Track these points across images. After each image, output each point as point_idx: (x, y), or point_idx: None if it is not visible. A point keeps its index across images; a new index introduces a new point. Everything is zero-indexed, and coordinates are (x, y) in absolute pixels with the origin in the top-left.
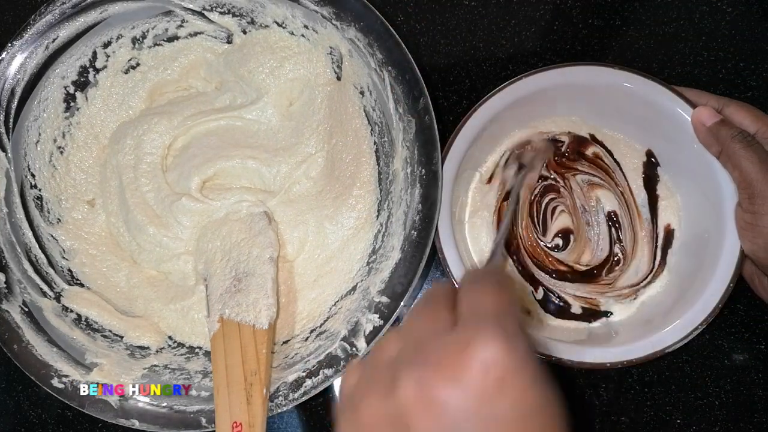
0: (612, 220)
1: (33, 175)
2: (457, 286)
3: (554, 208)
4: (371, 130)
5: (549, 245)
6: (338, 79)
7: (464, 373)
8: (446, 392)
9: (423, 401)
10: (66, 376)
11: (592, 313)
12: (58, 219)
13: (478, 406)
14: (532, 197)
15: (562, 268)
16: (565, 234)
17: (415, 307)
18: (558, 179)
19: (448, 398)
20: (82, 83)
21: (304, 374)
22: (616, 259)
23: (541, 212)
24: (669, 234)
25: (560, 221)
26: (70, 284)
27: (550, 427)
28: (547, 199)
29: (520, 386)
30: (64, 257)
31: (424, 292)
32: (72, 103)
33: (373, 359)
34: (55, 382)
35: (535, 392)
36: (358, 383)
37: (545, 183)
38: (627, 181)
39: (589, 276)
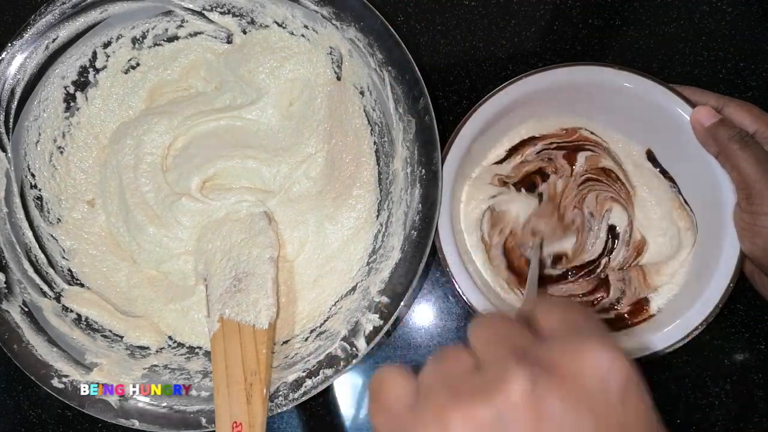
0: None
1: (33, 175)
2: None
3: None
4: (371, 130)
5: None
6: (338, 79)
7: (582, 380)
8: (562, 397)
9: (536, 402)
10: (66, 376)
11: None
12: (58, 219)
13: (595, 417)
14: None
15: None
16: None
17: (475, 330)
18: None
19: (563, 403)
20: (82, 83)
21: (304, 374)
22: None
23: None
24: None
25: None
26: (70, 284)
27: None
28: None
29: (637, 394)
30: (64, 257)
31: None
32: (72, 103)
33: (438, 369)
34: (55, 382)
35: (647, 401)
36: (423, 390)
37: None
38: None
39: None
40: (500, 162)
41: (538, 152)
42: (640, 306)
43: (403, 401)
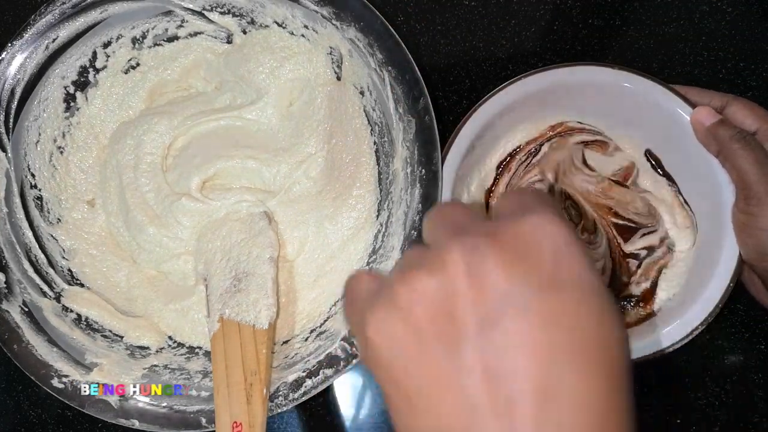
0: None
1: (33, 175)
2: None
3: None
4: (371, 130)
5: None
6: (338, 79)
7: (517, 244)
8: (498, 261)
9: (473, 269)
10: (66, 376)
11: None
12: (58, 219)
13: (533, 280)
14: None
15: None
16: None
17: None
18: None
19: (498, 268)
20: (82, 83)
21: (304, 374)
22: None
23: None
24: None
25: None
26: (70, 284)
27: (608, 312)
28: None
29: (578, 262)
30: (64, 257)
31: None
32: (72, 103)
33: (397, 262)
34: (55, 382)
35: (582, 260)
36: (384, 280)
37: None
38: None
39: None
40: (490, 188)
41: (524, 160)
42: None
43: (367, 291)
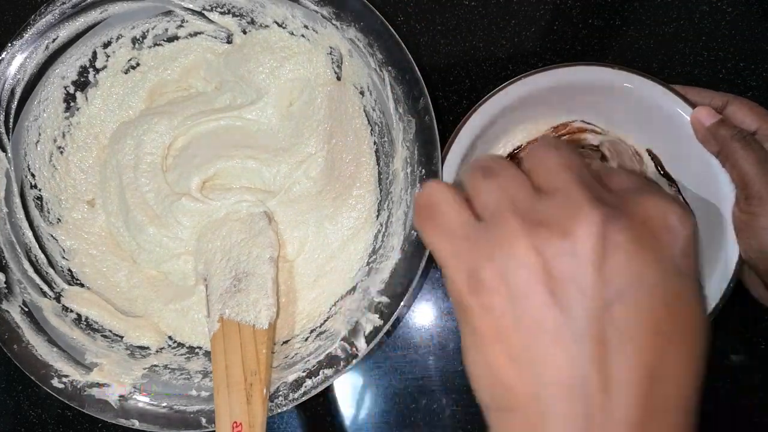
0: None
1: (33, 175)
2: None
3: None
4: (371, 130)
5: None
6: (338, 79)
7: (651, 226)
8: (631, 238)
9: (606, 240)
10: (66, 376)
11: None
12: (58, 219)
13: (657, 261)
14: None
15: None
16: None
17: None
18: None
19: (631, 245)
20: (82, 83)
21: (304, 374)
22: None
23: None
24: None
25: None
26: (70, 284)
27: (704, 305)
28: None
29: (694, 252)
30: (64, 257)
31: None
32: (72, 103)
33: (499, 191)
34: (55, 382)
35: (699, 269)
36: (485, 215)
37: None
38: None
39: None
40: None
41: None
42: None
43: (464, 223)
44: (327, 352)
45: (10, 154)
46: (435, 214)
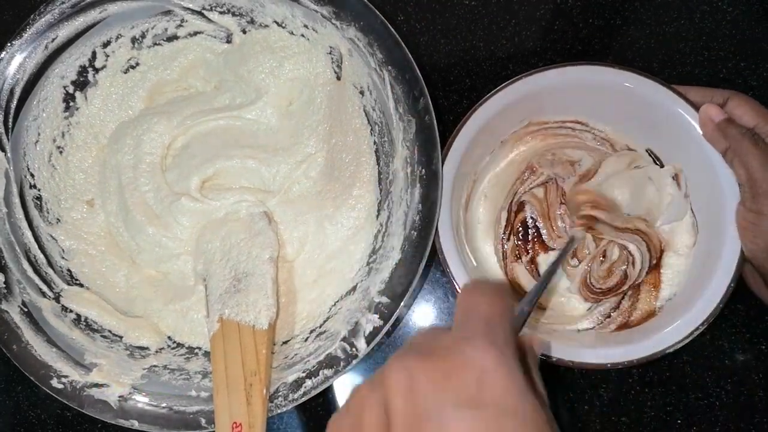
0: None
1: (32, 175)
2: (458, 288)
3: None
4: (371, 129)
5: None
6: (338, 78)
7: (447, 365)
8: (427, 380)
9: (405, 386)
10: (65, 376)
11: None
12: (58, 219)
13: (455, 398)
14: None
15: None
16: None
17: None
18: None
19: (427, 386)
20: (81, 83)
21: (303, 375)
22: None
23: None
24: None
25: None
26: (69, 284)
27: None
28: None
29: (501, 386)
30: (63, 257)
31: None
32: (71, 103)
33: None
34: (54, 382)
35: (515, 395)
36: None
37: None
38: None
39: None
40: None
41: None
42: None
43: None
44: (327, 352)
45: (9, 154)
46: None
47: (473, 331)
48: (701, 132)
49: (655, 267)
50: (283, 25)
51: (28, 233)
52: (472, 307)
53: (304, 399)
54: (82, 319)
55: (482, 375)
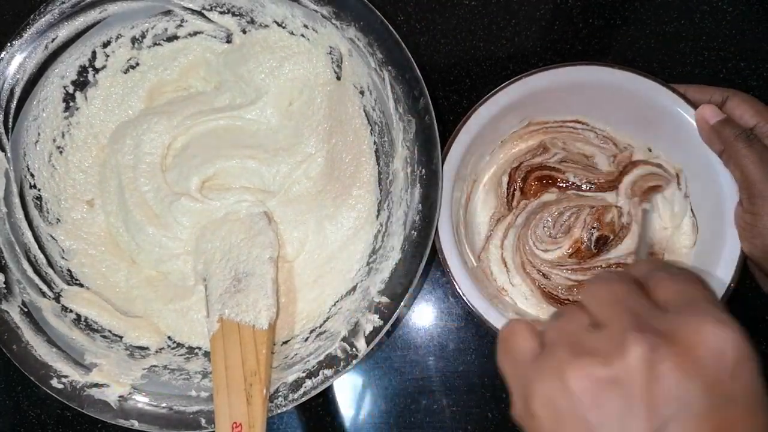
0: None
1: (32, 175)
2: (460, 291)
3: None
4: (371, 130)
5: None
6: (338, 78)
7: (698, 352)
8: (677, 366)
9: (652, 369)
10: (65, 376)
11: None
12: (58, 219)
13: (706, 388)
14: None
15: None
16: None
17: (593, 290)
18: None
19: (677, 373)
20: (81, 83)
21: (303, 375)
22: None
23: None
24: None
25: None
26: (69, 284)
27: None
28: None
29: (748, 371)
30: (63, 257)
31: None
32: (71, 103)
33: (560, 327)
34: (54, 382)
35: (757, 378)
36: (547, 341)
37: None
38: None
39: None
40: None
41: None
42: None
43: (529, 352)
44: (327, 352)
45: (9, 154)
46: (508, 345)
47: (694, 297)
48: (698, 133)
49: None
50: (283, 25)
51: (28, 233)
52: (686, 289)
53: (304, 399)
54: (82, 319)
55: (737, 365)
